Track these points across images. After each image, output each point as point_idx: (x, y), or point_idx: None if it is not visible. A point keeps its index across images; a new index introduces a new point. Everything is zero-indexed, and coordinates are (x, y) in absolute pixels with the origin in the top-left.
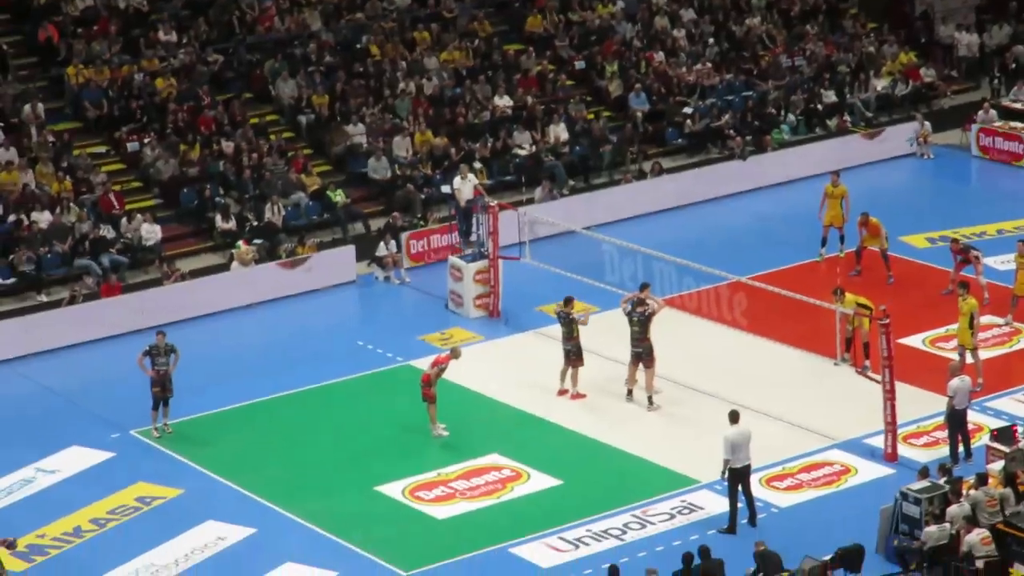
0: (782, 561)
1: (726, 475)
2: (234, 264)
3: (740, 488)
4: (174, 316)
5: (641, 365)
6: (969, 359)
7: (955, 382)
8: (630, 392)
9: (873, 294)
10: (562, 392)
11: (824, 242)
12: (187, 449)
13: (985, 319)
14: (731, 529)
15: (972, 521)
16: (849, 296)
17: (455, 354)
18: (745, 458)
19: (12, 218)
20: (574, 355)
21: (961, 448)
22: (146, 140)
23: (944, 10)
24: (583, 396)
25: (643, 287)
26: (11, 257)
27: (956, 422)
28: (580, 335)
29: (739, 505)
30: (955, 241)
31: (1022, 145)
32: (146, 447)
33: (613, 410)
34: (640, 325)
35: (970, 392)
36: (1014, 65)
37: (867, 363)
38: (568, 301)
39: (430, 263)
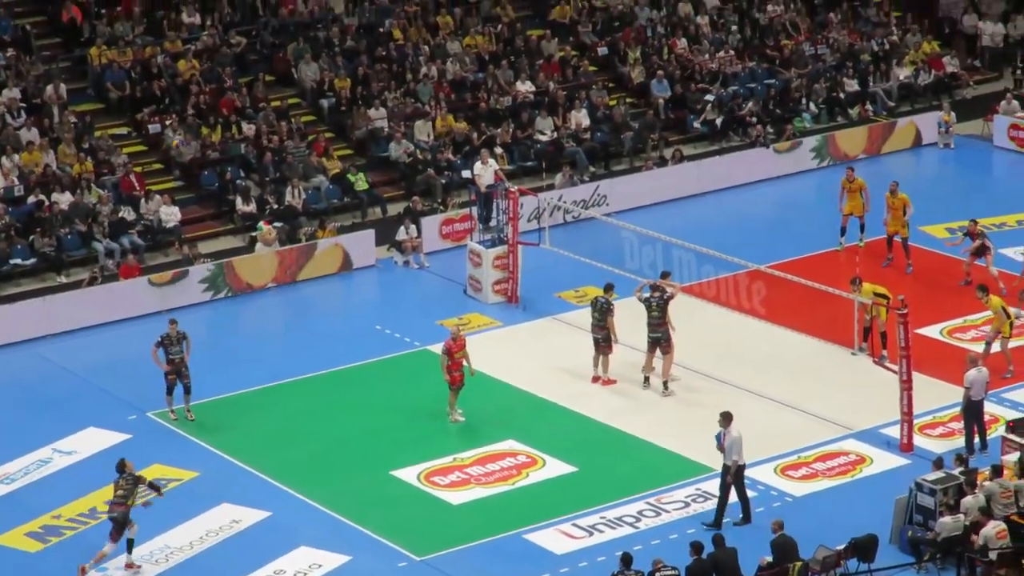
0: (797, 548)
1: (731, 476)
2: (258, 245)
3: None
4: (192, 299)
5: (659, 351)
6: (996, 348)
7: (972, 373)
8: (647, 379)
9: (891, 283)
10: (595, 379)
11: (843, 231)
12: (203, 432)
13: None
14: (746, 519)
15: (987, 513)
16: (867, 285)
17: (453, 335)
18: (740, 459)
19: (33, 199)
20: (603, 342)
21: (977, 439)
22: (168, 122)
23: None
24: (613, 382)
25: (664, 275)
26: (31, 238)
27: (972, 413)
28: (612, 324)
29: (745, 499)
30: (974, 222)
31: None
32: (163, 429)
33: (630, 397)
34: (659, 310)
35: (987, 383)
36: None
37: (884, 353)
38: (609, 288)
39: (450, 249)
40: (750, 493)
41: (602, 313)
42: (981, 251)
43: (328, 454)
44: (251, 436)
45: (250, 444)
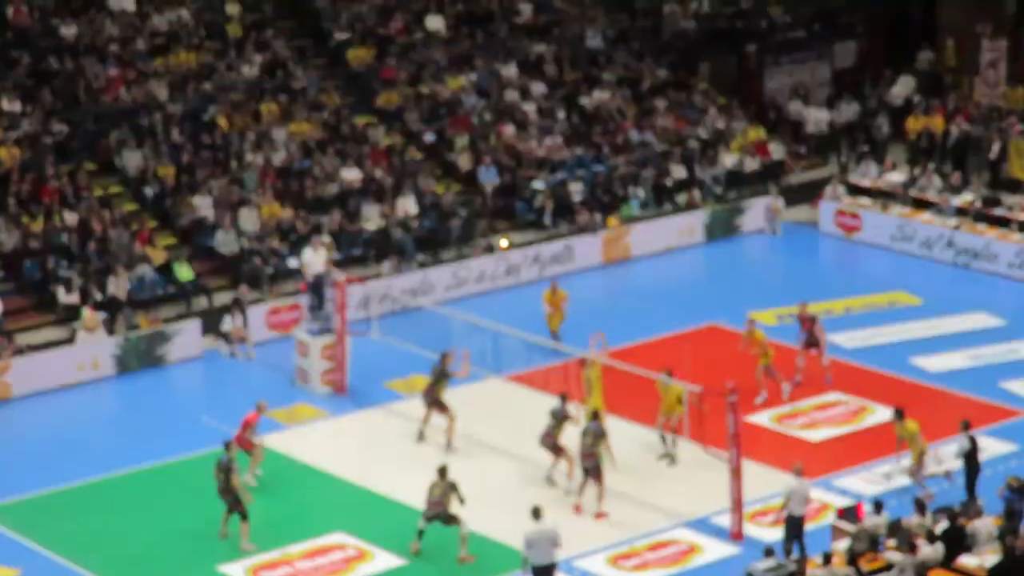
0: None
1: (525, 569)
2: (80, 333)
3: None
4: (15, 391)
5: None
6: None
7: (792, 483)
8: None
9: (720, 371)
10: (576, 507)
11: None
12: (26, 528)
13: (830, 396)
14: None
15: None
16: (676, 387)
17: (260, 408)
18: (545, 556)
19: None
20: (592, 472)
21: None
22: None
23: (793, 87)
24: (605, 515)
25: (444, 356)
26: None
27: (793, 530)
28: (603, 454)
29: None
30: (803, 304)
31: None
32: None
33: (460, 489)
34: (554, 419)
35: (807, 497)
36: (867, 147)
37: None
38: (595, 414)
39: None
40: None
41: (592, 439)
42: (812, 342)
43: (154, 549)
44: (75, 532)
45: (74, 541)
